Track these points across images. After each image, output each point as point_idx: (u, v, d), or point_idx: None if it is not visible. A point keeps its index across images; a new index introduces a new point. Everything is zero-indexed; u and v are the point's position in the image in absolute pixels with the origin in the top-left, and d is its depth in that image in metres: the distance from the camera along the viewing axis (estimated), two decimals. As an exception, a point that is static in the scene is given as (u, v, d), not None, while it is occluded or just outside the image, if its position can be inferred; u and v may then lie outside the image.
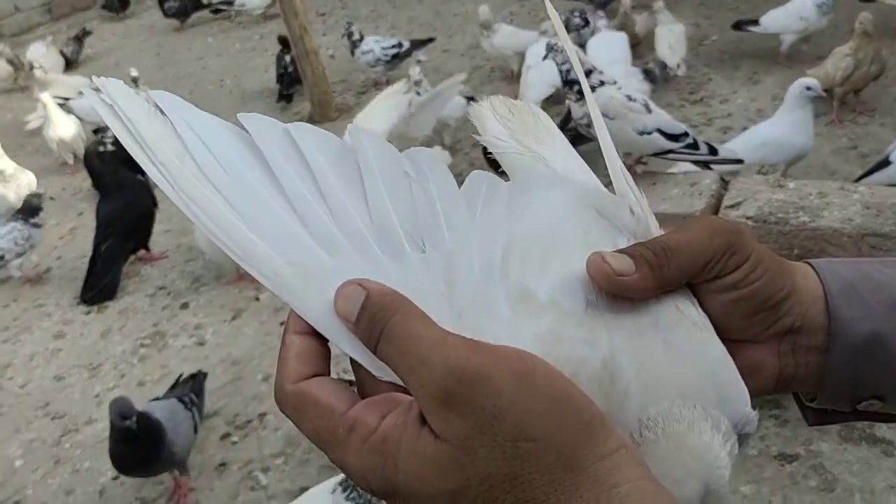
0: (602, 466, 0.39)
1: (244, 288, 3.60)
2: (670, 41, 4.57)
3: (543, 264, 0.45)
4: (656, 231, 0.48)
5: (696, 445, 0.43)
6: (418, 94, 4.05)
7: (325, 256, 0.44)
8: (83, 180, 4.85)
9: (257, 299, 3.51)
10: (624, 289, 0.44)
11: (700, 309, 0.46)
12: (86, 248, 3.89)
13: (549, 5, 0.53)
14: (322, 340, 0.44)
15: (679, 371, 0.44)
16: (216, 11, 7.49)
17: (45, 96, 5.08)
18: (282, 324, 3.29)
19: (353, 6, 7.26)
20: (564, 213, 0.47)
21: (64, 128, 4.99)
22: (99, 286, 3.75)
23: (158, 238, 4.07)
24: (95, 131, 5.13)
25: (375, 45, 5.20)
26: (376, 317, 0.41)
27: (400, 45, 5.12)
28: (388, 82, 5.08)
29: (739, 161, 3.20)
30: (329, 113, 5.11)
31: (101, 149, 3.94)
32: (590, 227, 0.47)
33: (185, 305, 3.59)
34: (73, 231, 4.46)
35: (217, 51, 7.00)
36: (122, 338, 3.46)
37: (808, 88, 3.24)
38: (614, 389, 0.42)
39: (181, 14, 7.70)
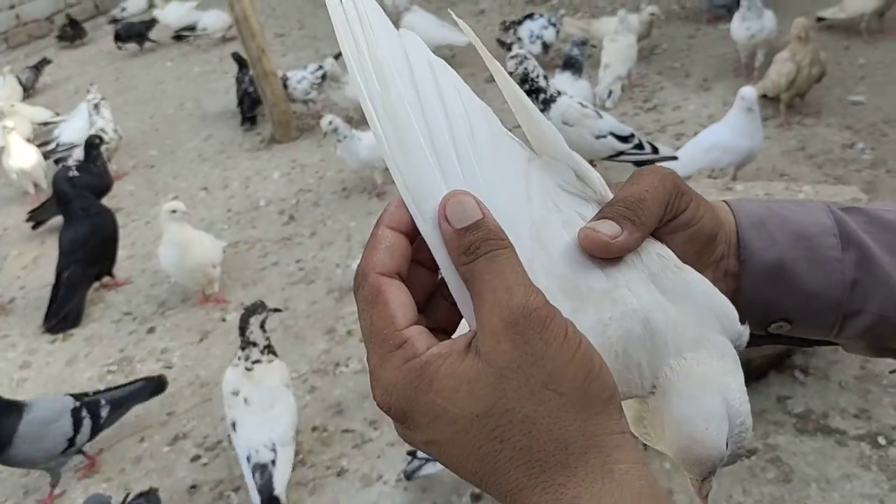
0: (610, 440, 0.43)
1: (210, 309, 3.61)
2: (606, 59, 4.57)
3: (556, 248, 0.48)
4: (609, 192, 0.52)
5: (707, 371, 0.49)
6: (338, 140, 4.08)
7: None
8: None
9: (224, 320, 3.52)
10: (620, 250, 0.49)
11: (671, 251, 0.52)
12: (49, 277, 3.88)
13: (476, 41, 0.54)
14: (409, 241, 0.48)
15: (685, 310, 0.49)
16: (178, 38, 7.49)
17: (6, 125, 5.04)
18: (249, 344, 3.31)
19: (311, 26, 7.30)
20: (541, 190, 0.50)
21: (24, 157, 4.96)
22: (61, 314, 3.73)
23: (122, 264, 4.07)
24: (57, 161, 5.13)
25: (304, 73, 5.24)
26: (491, 240, 0.45)
27: (320, 66, 5.18)
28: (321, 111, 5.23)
29: (674, 157, 3.40)
30: (290, 133, 5.15)
31: (71, 174, 3.93)
32: (558, 202, 0.50)
33: (151, 330, 3.59)
34: (35, 260, 4.43)
35: (176, 74, 7.00)
36: (89, 365, 3.45)
37: (743, 98, 3.36)
38: (654, 343, 0.48)
39: (136, 37, 7.69)
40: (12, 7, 8.85)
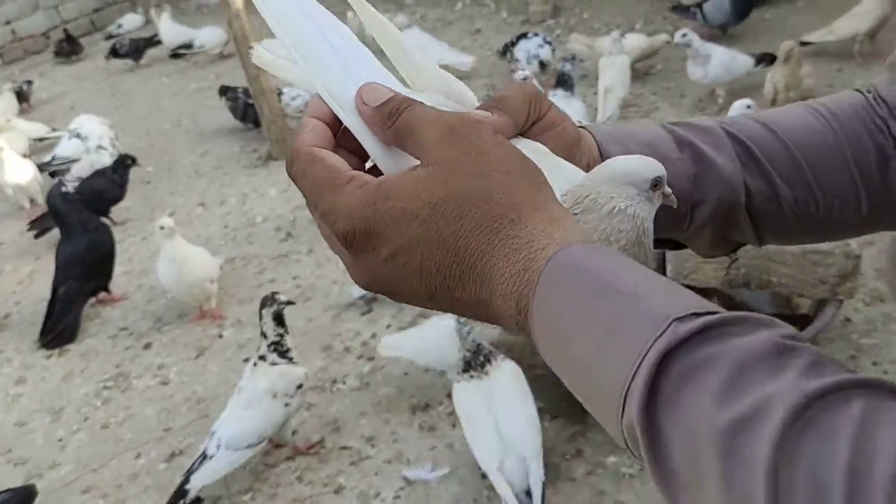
0: (554, 206, 0.50)
1: (207, 326, 3.61)
2: (606, 83, 4.57)
3: None
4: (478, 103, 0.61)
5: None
6: None
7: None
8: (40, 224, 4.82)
9: (221, 336, 3.52)
10: (499, 131, 0.56)
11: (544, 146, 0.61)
12: (45, 292, 3.87)
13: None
14: (331, 129, 0.56)
15: (567, 177, 0.59)
16: (175, 56, 7.50)
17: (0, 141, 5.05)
18: (245, 360, 3.31)
19: (308, 44, 7.34)
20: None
21: (20, 172, 4.96)
22: (57, 330, 3.73)
23: (119, 279, 4.07)
24: (52, 174, 5.14)
25: (299, 91, 5.24)
26: (403, 102, 0.52)
27: None
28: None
29: None
30: (286, 150, 5.16)
31: (64, 189, 3.94)
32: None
33: (147, 346, 3.59)
34: (31, 275, 4.42)
35: (173, 91, 7.02)
36: (85, 380, 3.45)
37: (749, 107, 3.38)
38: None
39: (133, 53, 7.69)
40: (8, 23, 8.87)
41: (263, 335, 2.67)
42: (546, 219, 0.48)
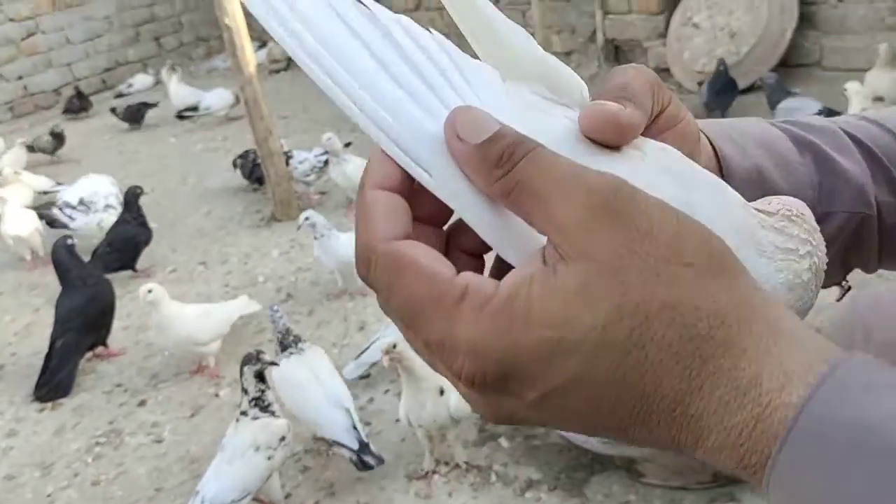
0: (760, 296, 0.36)
1: (204, 384, 3.59)
2: None
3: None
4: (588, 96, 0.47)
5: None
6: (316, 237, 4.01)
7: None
8: (40, 276, 4.83)
9: (217, 395, 3.50)
10: (630, 124, 0.42)
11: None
12: (41, 345, 3.85)
13: None
14: (404, 198, 0.39)
15: (710, 199, 0.44)
16: (181, 118, 7.62)
17: (2, 193, 5.10)
18: (242, 420, 3.28)
19: (315, 110, 7.46)
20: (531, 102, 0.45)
21: (21, 224, 4.99)
22: (53, 383, 3.70)
23: (117, 334, 4.05)
24: (50, 224, 5.15)
25: (307, 155, 5.34)
26: (524, 143, 0.37)
27: (325, 151, 5.20)
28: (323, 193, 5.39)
29: None
30: (291, 212, 5.21)
31: (70, 242, 3.97)
32: (545, 109, 0.44)
33: (142, 403, 3.56)
34: (28, 327, 4.41)
35: (179, 150, 7.11)
36: (77, 435, 3.41)
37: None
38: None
39: (132, 119, 7.81)
40: (20, 78, 9.02)
41: (244, 391, 2.65)
42: (765, 332, 0.34)
